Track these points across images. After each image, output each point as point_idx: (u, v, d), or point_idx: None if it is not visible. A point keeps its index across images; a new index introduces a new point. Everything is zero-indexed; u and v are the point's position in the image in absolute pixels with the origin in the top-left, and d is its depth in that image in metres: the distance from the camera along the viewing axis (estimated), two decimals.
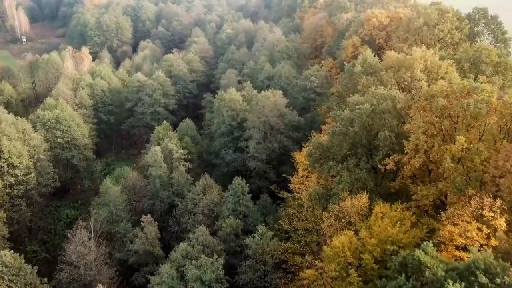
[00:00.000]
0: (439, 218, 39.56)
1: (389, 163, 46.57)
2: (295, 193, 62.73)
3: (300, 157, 66.53)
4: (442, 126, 42.71)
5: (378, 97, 51.35)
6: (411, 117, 46.62)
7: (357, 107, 50.04)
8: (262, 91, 78.95)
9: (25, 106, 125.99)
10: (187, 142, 74.03)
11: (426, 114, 44.19)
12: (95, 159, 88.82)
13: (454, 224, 35.78)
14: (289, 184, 65.17)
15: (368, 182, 47.97)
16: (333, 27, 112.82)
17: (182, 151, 65.44)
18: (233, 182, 54.17)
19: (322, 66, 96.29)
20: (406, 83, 59.31)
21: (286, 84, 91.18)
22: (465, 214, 35.59)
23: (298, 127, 74.97)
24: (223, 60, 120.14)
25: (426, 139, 42.91)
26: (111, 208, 60.78)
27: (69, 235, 53.91)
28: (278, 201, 65.07)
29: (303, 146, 70.25)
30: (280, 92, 79.12)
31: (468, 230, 34.46)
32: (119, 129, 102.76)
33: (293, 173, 67.31)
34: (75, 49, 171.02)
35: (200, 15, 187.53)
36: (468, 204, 36.06)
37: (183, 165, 64.41)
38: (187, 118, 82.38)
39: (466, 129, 43.10)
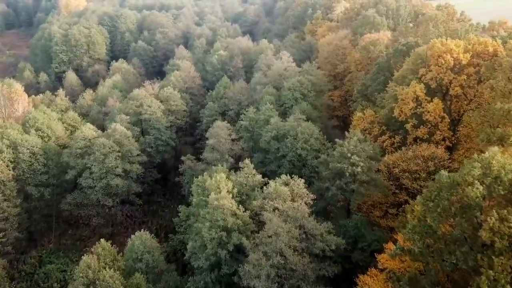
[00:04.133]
0: None
1: None
2: None
3: None
4: None
5: None
6: None
7: None
8: (271, 182, 45.15)
9: None
10: (139, 284, 40.19)
11: None
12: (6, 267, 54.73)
13: None
14: None
15: None
16: (365, 55, 78.69)
17: None
18: None
19: (356, 120, 62.52)
20: None
21: (305, 152, 57.44)
22: None
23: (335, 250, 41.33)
24: (213, 97, 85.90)
25: None
26: None
27: None
28: None
29: None
30: (301, 182, 45.54)
31: None
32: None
33: None
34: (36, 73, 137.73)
35: (189, 26, 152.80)
36: None
37: None
38: (142, 230, 47.79)
39: None
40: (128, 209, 74.23)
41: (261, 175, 48.74)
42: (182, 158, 68.32)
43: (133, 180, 68.88)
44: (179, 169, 67.78)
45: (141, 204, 76.45)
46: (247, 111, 68.20)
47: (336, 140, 51.45)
